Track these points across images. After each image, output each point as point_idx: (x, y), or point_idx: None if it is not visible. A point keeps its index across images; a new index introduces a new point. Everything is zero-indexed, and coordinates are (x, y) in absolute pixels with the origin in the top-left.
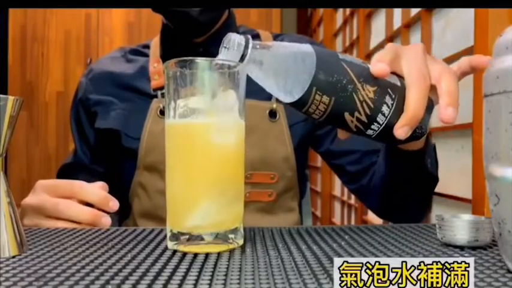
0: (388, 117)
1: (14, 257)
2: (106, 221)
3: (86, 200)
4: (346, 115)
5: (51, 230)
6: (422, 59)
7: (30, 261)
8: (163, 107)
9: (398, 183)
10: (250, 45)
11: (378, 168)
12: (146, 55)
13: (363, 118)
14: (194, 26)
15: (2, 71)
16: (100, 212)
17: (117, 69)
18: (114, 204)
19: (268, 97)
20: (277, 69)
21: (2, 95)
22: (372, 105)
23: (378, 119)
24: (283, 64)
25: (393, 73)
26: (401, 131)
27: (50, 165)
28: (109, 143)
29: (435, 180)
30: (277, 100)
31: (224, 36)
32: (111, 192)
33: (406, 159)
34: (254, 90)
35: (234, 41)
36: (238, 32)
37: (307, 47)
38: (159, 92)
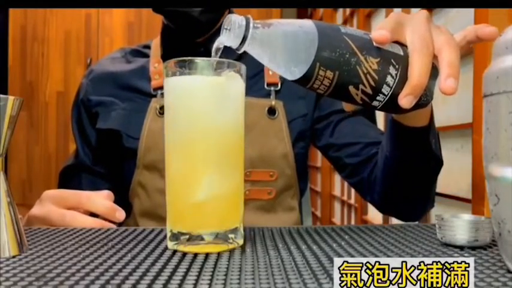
0: (393, 87)
1: (14, 257)
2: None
3: (93, 211)
4: (351, 88)
5: (51, 230)
6: (425, 26)
7: (30, 261)
8: (163, 106)
9: (403, 165)
10: (251, 25)
11: (380, 157)
12: (147, 55)
13: (368, 90)
14: (195, 26)
15: (2, 71)
16: (106, 223)
17: (118, 70)
18: (120, 215)
19: (267, 94)
20: (279, 47)
21: (2, 95)
22: (376, 77)
23: (383, 90)
24: (285, 42)
25: (397, 42)
26: (405, 100)
27: (50, 165)
28: (110, 143)
29: (440, 163)
30: (276, 97)
31: None
32: (113, 192)
33: (411, 138)
34: (252, 87)
35: (234, 22)
36: None
37: (308, 23)
38: (159, 92)
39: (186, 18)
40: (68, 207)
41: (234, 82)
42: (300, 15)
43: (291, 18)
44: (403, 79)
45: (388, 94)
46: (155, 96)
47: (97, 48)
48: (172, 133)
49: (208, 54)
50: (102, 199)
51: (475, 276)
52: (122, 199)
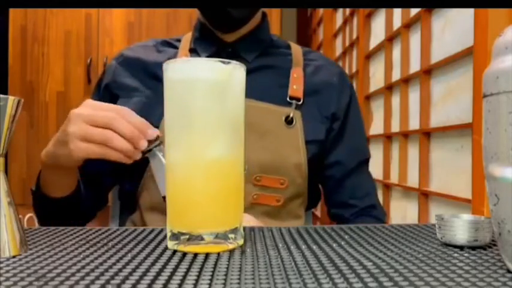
0: None
1: (14, 257)
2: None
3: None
4: None
5: (51, 229)
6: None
7: (30, 261)
8: None
9: None
10: None
11: None
12: (176, 47)
13: None
14: (224, 19)
15: (2, 71)
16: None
17: (147, 57)
18: (143, 144)
19: (287, 102)
20: None
21: (2, 95)
22: None
23: None
24: None
25: None
26: None
27: None
28: None
29: None
30: (296, 107)
31: (255, 39)
32: (121, 184)
33: None
34: (274, 96)
35: None
36: (270, 38)
37: None
38: None
39: (220, 12)
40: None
41: (234, 81)
42: (300, 15)
43: (290, 18)
44: None
45: None
46: None
47: (97, 48)
48: (172, 131)
49: (235, 55)
50: (130, 126)
51: (475, 276)
52: (130, 193)
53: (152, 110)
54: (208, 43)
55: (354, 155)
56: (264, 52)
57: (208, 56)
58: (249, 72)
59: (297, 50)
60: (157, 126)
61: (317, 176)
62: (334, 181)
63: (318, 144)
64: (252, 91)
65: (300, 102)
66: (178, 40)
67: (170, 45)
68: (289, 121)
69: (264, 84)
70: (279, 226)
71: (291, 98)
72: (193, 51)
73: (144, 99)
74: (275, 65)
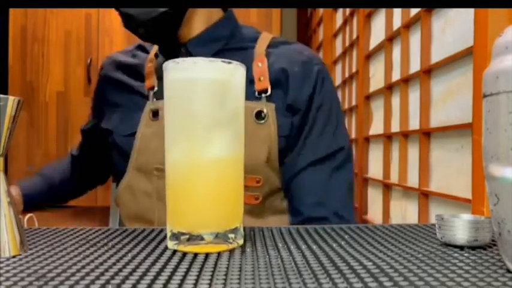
0: None
1: (14, 257)
2: None
3: None
4: None
5: (51, 230)
6: None
7: (30, 261)
8: (155, 109)
9: None
10: None
11: None
12: (148, 52)
13: None
14: (134, 23)
15: (2, 71)
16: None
17: (119, 70)
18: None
19: (257, 97)
20: None
21: (2, 95)
22: None
23: None
24: None
25: None
26: None
27: None
28: (103, 140)
29: None
30: (267, 100)
31: (208, 38)
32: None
33: None
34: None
35: None
36: (232, 35)
37: None
38: (151, 93)
39: (126, 17)
40: None
41: (234, 81)
42: (300, 15)
43: (290, 18)
44: None
45: None
46: (147, 96)
47: (97, 48)
48: (172, 131)
49: (190, 55)
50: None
51: (475, 276)
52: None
53: (124, 120)
54: (166, 45)
55: (314, 150)
56: (223, 50)
57: (167, 58)
58: None
59: (264, 40)
60: (134, 133)
61: None
62: (285, 181)
63: (284, 139)
64: None
65: (268, 94)
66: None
67: (143, 50)
68: (260, 117)
69: None
70: (263, 224)
71: (259, 92)
72: (157, 55)
73: (118, 113)
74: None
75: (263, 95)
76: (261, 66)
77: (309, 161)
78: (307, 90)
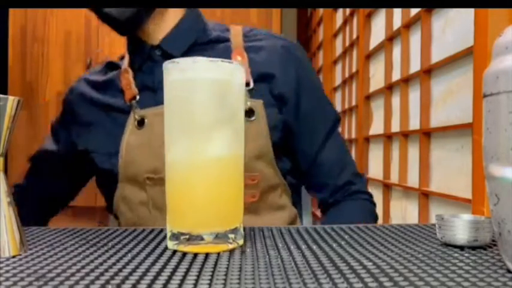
0: None
1: (14, 257)
2: None
3: None
4: None
5: (51, 230)
6: None
7: (30, 261)
8: (140, 118)
9: None
10: None
11: None
12: (120, 66)
13: None
14: (114, 24)
15: (2, 71)
16: None
17: (93, 89)
18: None
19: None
20: None
21: (2, 95)
22: None
23: None
24: None
25: None
26: None
27: None
28: (84, 163)
29: None
30: (251, 95)
31: (179, 34)
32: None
33: None
34: None
35: None
36: (201, 29)
37: None
38: (133, 102)
39: (107, 18)
40: None
41: (234, 81)
42: (300, 15)
43: (290, 18)
44: None
45: None
46: (129, 109)
47: (97, 48)
48: (172, 131)
49: (166, 56)
50: None
51: (475, 276)
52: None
53: (106, 141)
54: (138, 51)
55: (318, 131)
56: (196, 45)
57: (141, 64)
58: None
59: (236, 32)
60: (115, 154)
61: (288, 160)
62: (306, 165)
63: (277, 130)
64: None
65: (250, 87)
66: (123, 57)
67: (114, 67)
68: (248, 114)
69: None
70: (259, 221)
71: None
72: (131, 66)
73: (97, 132)
74: (212, 55)
75: (245, 88)
76: (240, 60)
77: (321, 141)
78: (291, 75)
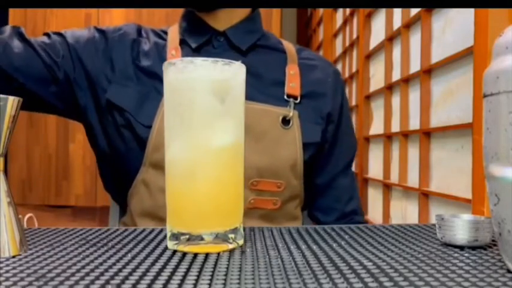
0: None
1: (14, 257)
2: None
3: None
4: None
5: (51, 230)
6: None
7: (30, 261)
8: None
9: None
10: None
11: None
12: (165, 39)
13: None
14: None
15: None
16: None
17: (139, 45)
18: None
19: (284, 101)
20: None
21: (2, 95)
22: None
23: None
24: None
25: None
26: None
27: (50, 165)
28: (117, 121)
29: None
30: (293, 106)
31: (247, 29)
32: (114, 187)
33: None
34: (271, 95)
35: None
36: (262, 32)
37: None
38: None
39: None
40: None
41: (234, 81)
42: (300, 15)
43: (290, 18)
44: None
45: None
46: None
47: None
48: (172, 131)
49: (228, 44)
50: None
51: (475, 276)
52: (122, 195)
53: (143, 108)
54: (198, 32)
55: (344, 157)
56: (256, 45)
57: (198, 46)
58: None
59: (290, 46)
60: (149, 126)
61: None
62: (322, 185)
63: (314, 146)
64: (247, 88)
65: (298, 101)
66: (165, 32)
67: (159, 36)
68: (286, 121)
69: (259, 81)
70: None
71: (288, 96)
72: (183, 42)
73: (136, 95)
74: (269, 60)
75: (291, 99)
76: (293, 74)
77: (345, 164)
78: (339, 99)
